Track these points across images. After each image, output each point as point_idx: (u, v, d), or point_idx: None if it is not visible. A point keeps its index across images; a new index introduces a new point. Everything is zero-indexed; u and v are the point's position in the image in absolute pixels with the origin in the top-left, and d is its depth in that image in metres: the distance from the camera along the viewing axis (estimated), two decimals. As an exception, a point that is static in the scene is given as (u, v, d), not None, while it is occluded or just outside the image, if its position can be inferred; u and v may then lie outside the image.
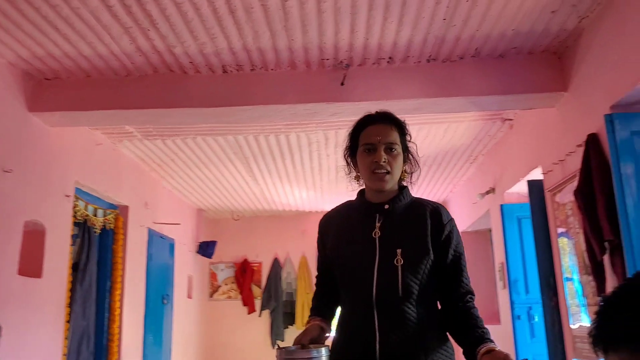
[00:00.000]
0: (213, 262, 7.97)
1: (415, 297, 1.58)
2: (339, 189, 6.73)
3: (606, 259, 3.08)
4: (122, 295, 4.91)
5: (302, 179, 6.29)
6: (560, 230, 3.83)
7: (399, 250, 1.60)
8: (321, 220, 1.82)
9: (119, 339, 4.81)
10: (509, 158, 4.88)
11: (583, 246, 3.29)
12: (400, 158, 1.66)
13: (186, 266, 6.94)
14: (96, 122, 3.99)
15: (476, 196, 5.70)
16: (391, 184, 1.66)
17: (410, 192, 1.74)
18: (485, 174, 5.66)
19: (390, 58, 3.60)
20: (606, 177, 2.94)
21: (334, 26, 3.19)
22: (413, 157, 1.76)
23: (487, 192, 5.45)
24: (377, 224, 1.66)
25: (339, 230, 1.75)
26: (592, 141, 3.13)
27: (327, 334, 1.71)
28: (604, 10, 3.03)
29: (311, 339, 1.62)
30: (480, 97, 3.65)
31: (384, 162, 1.63)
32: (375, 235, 1.65)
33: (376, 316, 1.58)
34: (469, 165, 5.94)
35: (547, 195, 4.01)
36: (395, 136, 1.66)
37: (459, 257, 1.65)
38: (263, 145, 5.09)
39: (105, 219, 4.82)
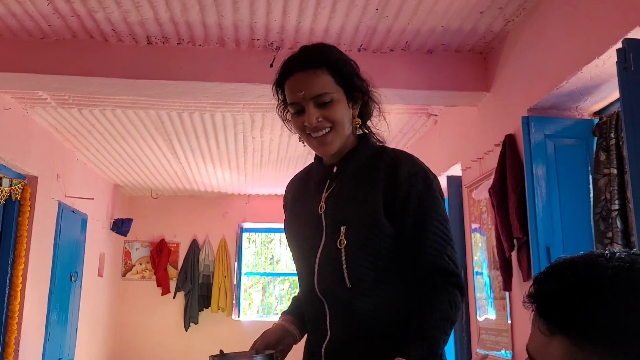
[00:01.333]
0: (128, 241, 7.70)
1: (370, 285, 1.25)
2: (263, 172, 6.66)
3: (514, 255, 3.23)
4: (25, 270, 4.64)
5: (225, 160, 6.17)
6: (474, 225, 3.97)
7: (342, 228, 1.28)
8: (285, 190, 1.55)
9: (20, 316, 4.55)
10: (431, 153, 5.00)
11: (494, 242, 3.43)
12: (341, 105, 1.32)
13: (98, 243, 6.66)
14: (5, 84, 3.72)
15: (397, 188, 5.80)
16: (338, 142, 1.33)
17: (375, 139, 1.43)
18: (407, 167, 5.77)
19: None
20: (519, 177, 3.06)
21: (266, 6, 3.12)
22: (366, 91, 1.38)
23: (408, 185, 5.56)
24: (324, 195, 1.36)
25: (294, 203, 1.47)
26: (509, 142, 3.25)
27: (296, 337, 1.38)
28: (528, 15, 3.14)
29: (267, 344, 1.32)
30: (407, 90, 3.70)
31: (319, 121, 1.31)
32: (321, 210, 1.35)
33: (327, 310, 1.31)
34: (393, 158, 6.04)
35: (465, 191, 4.14)
36: (324, 81, 1.30)
37: (421, 222, 1.26)
38: (187, 123, 4.94)
39: (12, 189, 4.52)
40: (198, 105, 4.49)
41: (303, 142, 1.40)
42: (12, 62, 3.46)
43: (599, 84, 2.78)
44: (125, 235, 7.35)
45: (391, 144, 4.79)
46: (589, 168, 2.90)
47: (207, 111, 4.62)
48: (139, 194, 7.80)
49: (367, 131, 1.43)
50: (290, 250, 1.46)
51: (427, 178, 1.30)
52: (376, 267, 1.26)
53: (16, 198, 4.60)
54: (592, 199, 2.78)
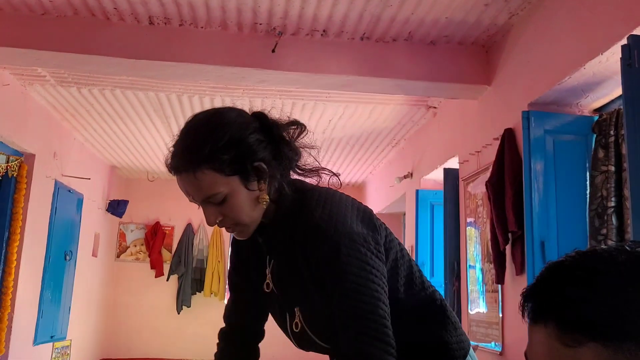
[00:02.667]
0: (123, 222, 7.70)
1: None
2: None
3: (508, 249, 3.24)
4: (20, 247, 4.63)
5: (224, 145, 6.15)
6: (469, 219, 3.98)
7: (296, 310, 1.23)
8: (234, 238, 1.38)
9: (14, 293, 4.55)
10: (429, 145, 5.00)
11: (488, 235, 3.44)
12: (239, 197, 1.16)
13: (94, 224, 6.66)
14: (4, 60, 3.69)
15: (394, 180, 5.82)
16: (251, 227, 1.21)
17: (300, 190, 1.25)
18: (404, 159, 5.78)
19: (324, 31, 3.56)
20: (517, 172, 3.07)
21: (271, -10, 3.10)
22: (271, 152, 1.19)
23: (405, 177, 5.57)
24: (267, 270, 1.27)
25: (239, 267, 1.38)
26: (508, 136, 3.25)
27: None
28: (533, 9, 3.13)
29: None
30: (408, 81, 3.69)
31: (219, 220, 1.19)
32: (267, 288, 1.27)
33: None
34: (390, 149, 6.05)
35: (461, 184, 4.15)
36: (208, 182, 1.13)
37: (335, 297, 1.13)
38: (186, 106, 4.92)
39: (8, 166, 4.51)
40: (198, 88, 4.47)
41: None
42: (12, 37, 3.43)
43: (601, 81, 2.77)
44: (121, 217, 7.35)
45: (390, 135, 4.77)
46: (587, 165, 2.91)
47: (207, 95, 4.61)
48: (135, 176, 7.79)
49: (289, 183, 1.25)
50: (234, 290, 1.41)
51: (334, 247, 1.13)
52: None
53: (12, 175, 4.59)
54: (588, 196, 2.79)
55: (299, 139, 1.25)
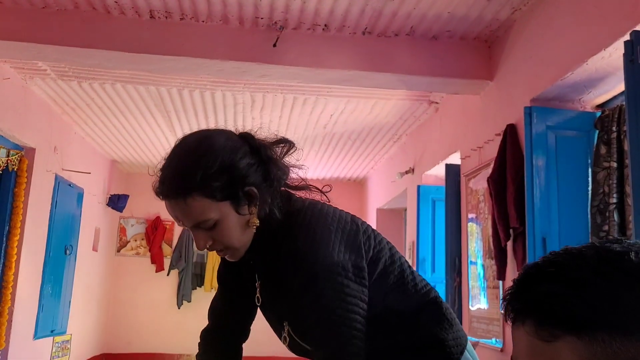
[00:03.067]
0: (123, 217, 7.69)
1: None
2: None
3: (509, 245, 3.23)
4: (20, 241, 4.63)
5: (224, 140, 6.13)
6: (470, 215, 3.97)
7: (285, 324, 1.26)
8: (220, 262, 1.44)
9: (14, 287, 4.55)
10: (431, 141, 4.99)
11: (490, 231, 3.43)
12: (229, 222, 1.16)
13: (94, 218, 6.65)
14: (4, 53, 3.68)
15: (395, 175, 5.81)
16: (241, 251, 1.22)
17: (287, 210, 1.24)
18: (406, 154, 5.77)
19: (325, 25, 3.54)
20: (519, 167, 3.05)
21: (272, -16, 3.09)
22: (261, 175, 1.19)
23: (406, 172, 5.56)
24: (257, 283, 1.30)
25: (228, 278, 1.40)
26: (510, 132, 3.24)
27: None
28: (536, 4, 3.11)
29: None
30: (410, 76, 3.68)
31: (209, 245, 1.18)
32: (257, 302, 1.31)
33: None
34: (392, 144, 6.03)
35: (463, 179, 4.14)
36: (199, 208, 1.13)
37: (313, 324, 1.16)
38: (186, 100, 4.91)
39: (9, 160, 4.50)
40: (198, 82, 4.46)
41: None
42: (13, 30, 3.42)
43: (603, 77, 2.76)
44: (121, 211, 7.35)
45: (391, 130, 4.76)
46: (589, 161, 2.90)
47: (208, 89, 4.59)
48: (135, 171, 7.78)
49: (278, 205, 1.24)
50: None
51: (311, 277, 1.15)
52: None
53: (13, 169, 4.58)
54: (590, 192, 2.78)
55: (287, 155, 1.25)
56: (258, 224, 1.20)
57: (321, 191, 1.30)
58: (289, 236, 1.20)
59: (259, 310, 1.36)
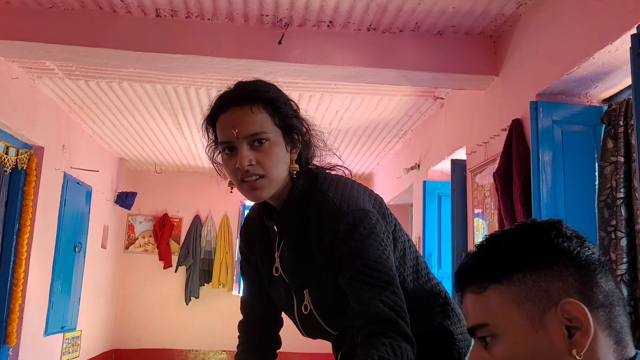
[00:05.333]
0: (131, 214, 7.74)
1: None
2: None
3: (516, 240, 3.23)
4: (30, 239, 4.67)
5: (231, 137, 6.16)
6: (476, 210, 3.97)
7: (305, 292, 1.25)
8: (242, 227, 1.44)
9: (24, 284, 4.60)
10: (436, 136, 4.99)
11: (496, 226, 3.44)
12: (278, 149, 1.19)
13: (102, 215, 6.70)
14: (13, 53, 3.71)
15: (401, 171, 5.81)
16: (271, 190, 1.20)
17: (313, 174, 1.28)
18: (411, 150, 5.77)
19: (330, 22, 3.55)
20: (525, 162, 3.06)
21: (277, -19, 3.09)
22: (307, 132, 1.26)
23: (412, 168, 5.57)
24: (277, 254, 1.29)
25: (250, 255, 1.40)
26: (516, 127, 3.24)
27: None
28: (541, -1, 3.10)
29: None
30: (415, 72, 3.68)
31: (251, 164, 1.17)
32: (276, 272, 1.29)
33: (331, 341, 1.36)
34: (397, 140, 6.04)
35: (469, 175, 4.14)
36: (261, 120, 1.18)
37: (349, 271, 1.14)
38: (193, 98, 4.93)
39: (18, 158, 4.54)
40: (205, 80, 4.48)
41: (231, 189, 1.26)
42: (20, 30, 3.45)
43: (610, 71, 2.75)
44: (129, 209, 7.39)
45: (397, 126, 4.77)
46: (596, 155, 2.89)
47: (214, 87, 4.61)
48: (143, 168, 7.82)
49: (307, 167, 1.28)
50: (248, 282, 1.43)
51: (349, 222, 1.15)
52: (349, 317, 1.18)
53: (22, 167, 4.62)
54: (597, 187, 2.78)
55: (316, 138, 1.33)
56: (297, 170, 1.24)
57: (346, 167, 1.35)
58: (316, 193, 1.22)
59: None
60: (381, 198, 1.31)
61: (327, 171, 1.32)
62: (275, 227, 1.28)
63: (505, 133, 3.34)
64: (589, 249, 0.78)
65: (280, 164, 1.20)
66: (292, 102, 1.26)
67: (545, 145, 2.93)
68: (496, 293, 0.78)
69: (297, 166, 1.24)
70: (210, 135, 1.27)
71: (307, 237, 1.22)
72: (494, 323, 0.77)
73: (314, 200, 1.22)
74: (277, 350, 1.44)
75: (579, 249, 0.77)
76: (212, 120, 1.24)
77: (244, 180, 1.19)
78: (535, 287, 0.76)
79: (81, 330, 6.08)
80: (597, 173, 2.83)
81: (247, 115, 1.17)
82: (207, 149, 1.29)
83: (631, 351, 0.77)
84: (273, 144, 1.19)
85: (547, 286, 0.75)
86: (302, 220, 1.22)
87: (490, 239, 0.83)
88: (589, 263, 0.76)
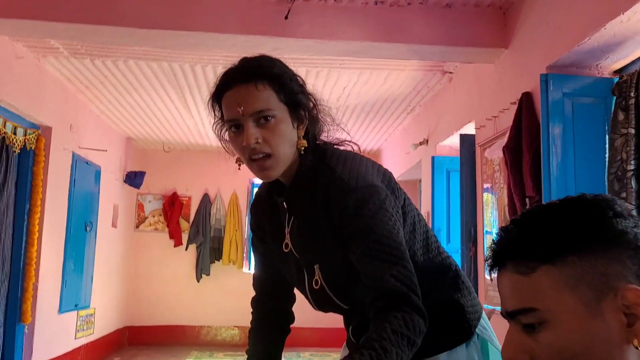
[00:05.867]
0: (141, 193, 7.78)
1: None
2: (275, 128, 6.63)
3: (525, 214, 3.22)
4: (41, 219, 4.71)
5: (238, 114, 6.14)
6: (485, 185, 3.96)
7: (316, 267, 1.25)
8: (252, 205, 1.45)
9: (37, 263, 4.66)
10: (445, 111, 4.95)
11: (505, 201, 3.43)
12: (284, 125, 1.19)
13: (112, 195, 6.74)
14: (17, 32, 3.70)
15: (409, 147, 5.78)
16: (279, 168, 1.21)
17: (321, 150, 1.28)
18: (420, 125, 5.73)
19: (337, -4, 3.50)
20: (535, 136, 3.03)
21: (282, -45, 3.05)
22: (314, 107, 1.27)
23: (421, 144, 5.54)
24: (287, 230, 1.29)
25: (261, 232, 1.41)
26: (526, 100, 3.20)
27: None
28: (552, -31, 3.04)
29: None
30: (423, 45, 3.64)
31: (258, 142, 1.17)
32: (286, 248, 1.30)
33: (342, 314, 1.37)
34: (406, 116, 6.00)
35: (478, 150, 4.11)
36: (266, 97, 1.17)
37: (359, 247, 1.15)
38: (199, 76, 4.91)
39: (26, 139, 4.55)
40: (211, 58, 4.45)
41: (239, 165, 1.27)
42: (24, 9, 3.42)
43: (622, 41, 2.70)
44: (138, 188, 7.43)
45: (405, 101, 4.72)
46: (606, 127, 2.86)
47: (220, 64, 4.58)
48: (151, 147, 7.83)
49: (315, 143, 1.28)
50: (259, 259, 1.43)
51: (358, 199, 1.15)
52: (360, 292, 1.18)
53: (31, 148, 4.64)
54: (607, 159, 2.75)
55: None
56: (305, 146, 1.23)
57: (355, 143, 1.34)
58: (325, 169, 1.23)
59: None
60: (390, 173, 1.30)
61: (335, 146, 1.32)
62: (284, 203, 1.28)
63: (515, 106, 3.31)
64: None
65: (287, 141, 1.20)
66: (298, 78, 1.25)
67: (555, 118, 2.90)
68: (548, 275, 0.71)
69: (305, 142, 1.24)
70: (216, 112, 1.26)
71: (317, 213, 1.22)
72: (544, 308, 0.71)
73: (323, 176, 1.22)
74: (291, 326, 1.46)
75: (636, 229, 0.72)
76: (217, 97, 1.24)
77: (252, 159, 1.19)
78: (592, 271, 0.70)
79: (95, 308, 6.16)
80: (607, 145, 2.80)
81: (252, 93, 1.17)
82: (214, 127, 1.28)
83: None
84: (279, 121, 1.19)
85: (604, 270, 0.70)
86: (311, 196, 1.23)
87: (539, 213, 0.75)
88: None
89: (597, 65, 3.00)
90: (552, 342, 0.70)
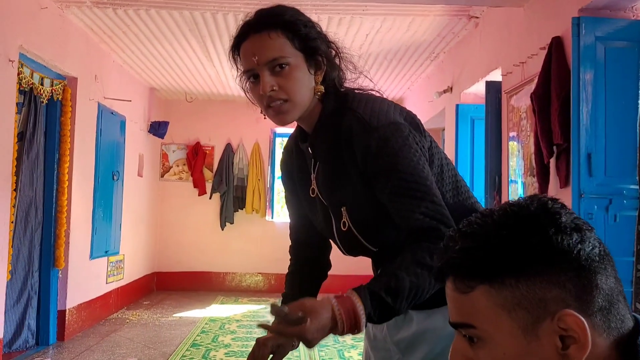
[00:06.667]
0: (165, 143, 7.86)
1: (397, 236, 1.20)
2: (297, 77, 6.59)
3: (552, 162, 3.21)
4: (70, 168, 4.82)
5: (260, 63, 6.10)
6: (511, 133, 3.92)
7: (343, 209, 1.26)
8: (281, 160, 1.49)
9: (68, 211, 4.79)
10: (470, 58, 4.86)
11: (532, 149, 3.40)
12: (299, 72, 1.21)
13: (137, 145, 6.83)
14: (41, -18, 3.68)
15: (433, 95, 5.72)
16: (296, 113, 1.23)
17: (343, 94, 1.29)
18: (444, 73, 5.65)
19: (362, -62, 3.41)
20: (564, 82, 2.98)
21: None
22: (336, 54, 1.28)
23: (445, 91, 5.47)
24: (313, 175, 1.32)
25: (290, 181, 1.44)
26: (556, 45, 3.13)
27: (294, 342, 1.23)
28: None
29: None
30: (451, -11, 3.54)
31: (273, 90, 1.19)
32: (313, 193, 1.32)
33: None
34: (429, 63, 5.90)
35: (504, 97, 4.06)
36: (279, 44, 1.19)
37: (386, 186, 1.16)
38: (221, 24, 4.86)
39: (53, 89, 4.60)
40: (232, 5, 4.39)
41: (264, 115, 1.27)
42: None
43: (659, -18, 2.61)
44: (162, 138, 7.50)
45: (429, 48, 4.65)
46: None
47: (241, 12, 4.52)
48: (174, 97, 7.86)
49: (337, 88, 1.29)
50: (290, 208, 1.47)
51: (380, 137, 1.16)
52: (395, 224, 1.18)
53: (58, 98, 4.69)
54: None
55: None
56: (322, 92, 1.25)
57: (377, 90, 1.34)
58: (347, 111, 1.23)
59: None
60: (414, 114, 1.30)
61: (358, 92, 1.32)
62: (309, 149, 1.31)
63: (544, 52, 3.24)
64: (589, 242, 0.69)
65: (303, 87, 1.22)
66: (313, 24, 1.25)
67: (586, 64, 2.84)
68: (485, 296, 0.70)
69: (322, 87, 1.25)
70: (239, 65, 1.28)
71: (341, 156, 1.24)
72: (481, 327, 0.71)
73: (345, 118, 1.23)
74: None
75: (579, 246, 0.68)
76: (236, 49, 1.26)
77: (269, 106, 1.22)
78: (529, 295, 0.68)
79: (124, 255, 6.36)
80: (640, 91, 2.75)
81: (265, 41, 1.19)
82: (238, 80, 1.30)
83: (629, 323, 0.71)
84: (294, 68, 1.20)
85: (542, 294, 0.68)
86: (335, 139, 1.24)
87: (479, 229, 0.72)
88: (589, 262, 0.68)
89: (632, 7, 2.91)
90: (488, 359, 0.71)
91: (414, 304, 1.09)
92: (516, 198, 0.76)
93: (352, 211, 1.26)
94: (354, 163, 1.21)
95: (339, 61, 1.29)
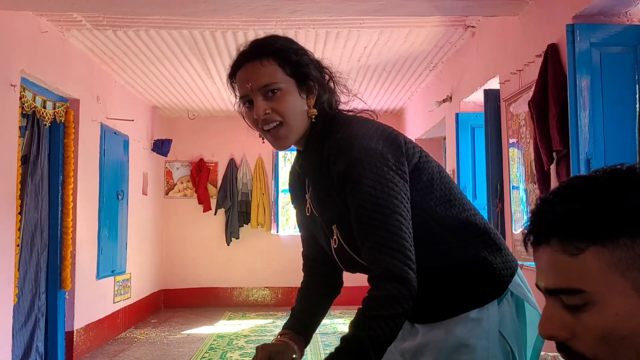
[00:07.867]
0: (168, 160, 7.90)
1: None
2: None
3: (552, 168, 3.21)
4: (75, 189, 4.85)
5: (260, 79, 6.14)
6: (511, 140, 3.93)
7: (334, 227, 1.31)
8: (288, 182, 1.54)
9: (74, 232, 4.82)
10: (468, 67, 4.88)
11: (532, 155, 3.41)
12: (291, 96, 1.27)
13: (141, 163, 6.87)
14: (40, 6, 3.74)
15: (433, 104, 5.74)
16: (292, 136, 1.30)
17: (332, 116, 1.34)
18: (443, 82, 5.67)
19: (356, -46, 3.44)
20: (561, 89, 2.99)
21: None
22: (330, 78, 1.35)
23: (444, 101, 5.49)
24: (307, 195, 1.39)
25: (294, 200, 1.49)
26: (552, 51, 3.15)
27: (296, 351, 1.36)
28: None
29: (269, 355, 1.30)
30: (444, 0, 3.57)
31: (267, 113, 1.26)
32: (308, 212, 1.38)
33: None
34: (428, 73, 5.93)
35: (502, 104, 4.07)
36: (271, 71, 1.26)
37: (352, 211, 1.21)
38: (220, 42, 4.91)
39: (56, 112, 4.65)
40: (230, 23, 4.44)
41: (263, 140, 1.35)
42: (46, -17, 3.46)
43: (650, -13, 2.63)
44: (166, 156, 7.54)
45: (427, 59, 4.67)
46: (636, 77, 2.81)
47: (240, 29, 4.57)
48: (176, 115, 7.91)
49: (328, 111, 1.34)
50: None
51: (349, 162, 1.20)
52: None
53: (60, 120, 4.74)
54: (638, 110, 2.71)
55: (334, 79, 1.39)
56: (316, 115, 1.31)
57: (372, 111, 1.41)
58: (330, 134, 1.29)
59: None
60: (398, 133, 1.31)
61: (350, 114, 1.38)
62: (300, 168, 1.39)
63: (540, 59, 3.26)
64: None
65: (295, 110, 1.28)
66: (305, 52, 1.33)
67: (582, 70, 2.85)
68: (597, 257, 0.67)
69: (315, 111, 1.31)
70: (236, 92, 1.35)
71: (324, 175, 1.29)
72: (592, 290, 0.67)
73: (328, 140, 1.28)
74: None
75: None
76: (232, 78, 1.34)
77: (267, 130, 1.29)
78: None
79: (130, 273, 6.37)
80: (637, 96, 2.75)
81: (258, 69, 1.27)
82: (236, 106, 1.37)
83: None
84: (285, 92, 1.27)
85: None
86: (320, 160, 1.30)
87: (587, 188, 0.69)
88: None
89: (626, 13, 2.93)
90: (597, 324, 0.68)
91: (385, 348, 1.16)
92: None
93: (341, 229, 1.30)
94: (333, 183, 1.27)
95: (334, 85, 1.36)
